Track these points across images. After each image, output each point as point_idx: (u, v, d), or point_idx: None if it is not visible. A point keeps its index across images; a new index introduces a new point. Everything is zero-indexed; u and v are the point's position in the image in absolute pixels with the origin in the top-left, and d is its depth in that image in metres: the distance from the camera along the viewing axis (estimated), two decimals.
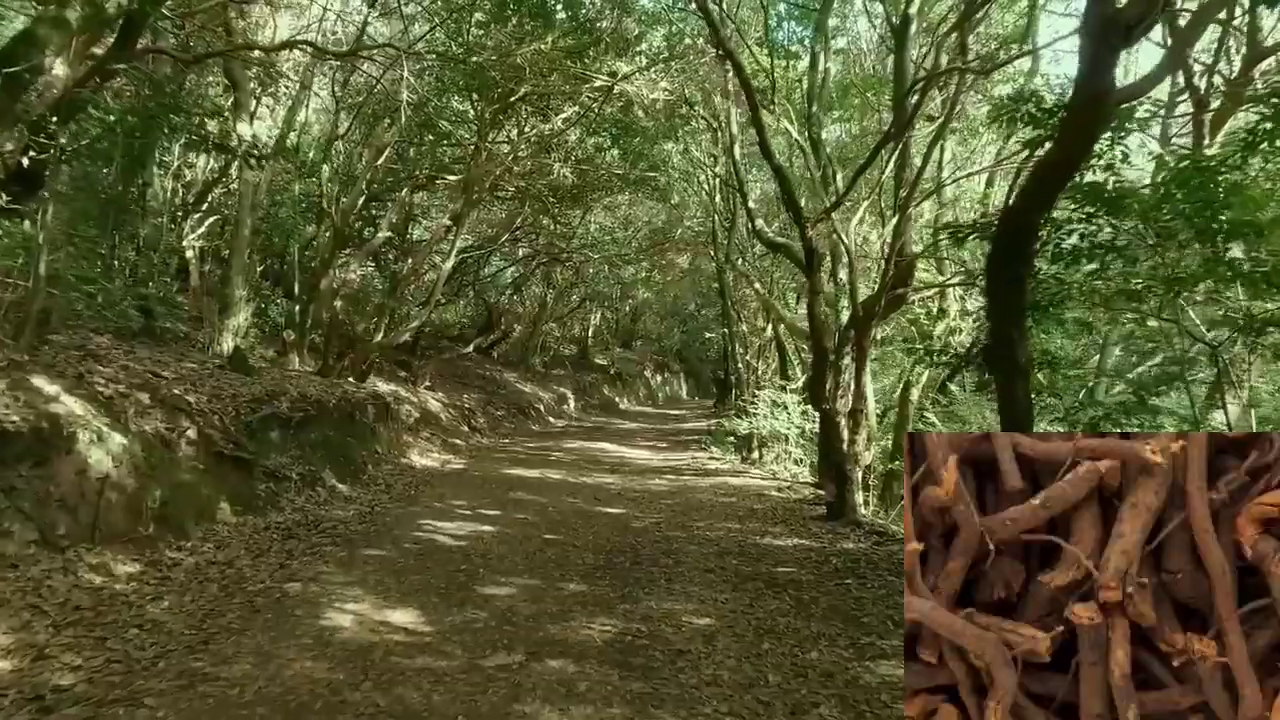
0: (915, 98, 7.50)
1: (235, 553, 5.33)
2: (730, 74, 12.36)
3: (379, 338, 12.69)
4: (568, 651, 3.88)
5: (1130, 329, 6.62)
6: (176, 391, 6.51)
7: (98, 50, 6.88)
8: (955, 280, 9.28)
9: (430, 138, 13.70)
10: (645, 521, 7.61)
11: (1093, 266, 5.18)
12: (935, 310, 12.39)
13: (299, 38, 9.55)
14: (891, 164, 8.88)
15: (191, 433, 6.14)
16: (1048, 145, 5.10)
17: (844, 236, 8.55)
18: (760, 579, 5.50)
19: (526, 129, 13.85)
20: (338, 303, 12.71)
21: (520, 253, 21.51)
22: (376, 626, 4.09)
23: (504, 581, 5.15)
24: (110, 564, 4.48)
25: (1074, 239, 4.75)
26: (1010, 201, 4.24)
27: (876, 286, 9.57)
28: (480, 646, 3.89)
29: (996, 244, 4.10)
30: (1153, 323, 5.08)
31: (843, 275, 10.98)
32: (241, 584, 4.69)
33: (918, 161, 9.02)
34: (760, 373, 17.87)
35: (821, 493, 9.65)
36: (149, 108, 6.50)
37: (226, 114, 10.61)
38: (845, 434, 8.21)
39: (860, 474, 8.59)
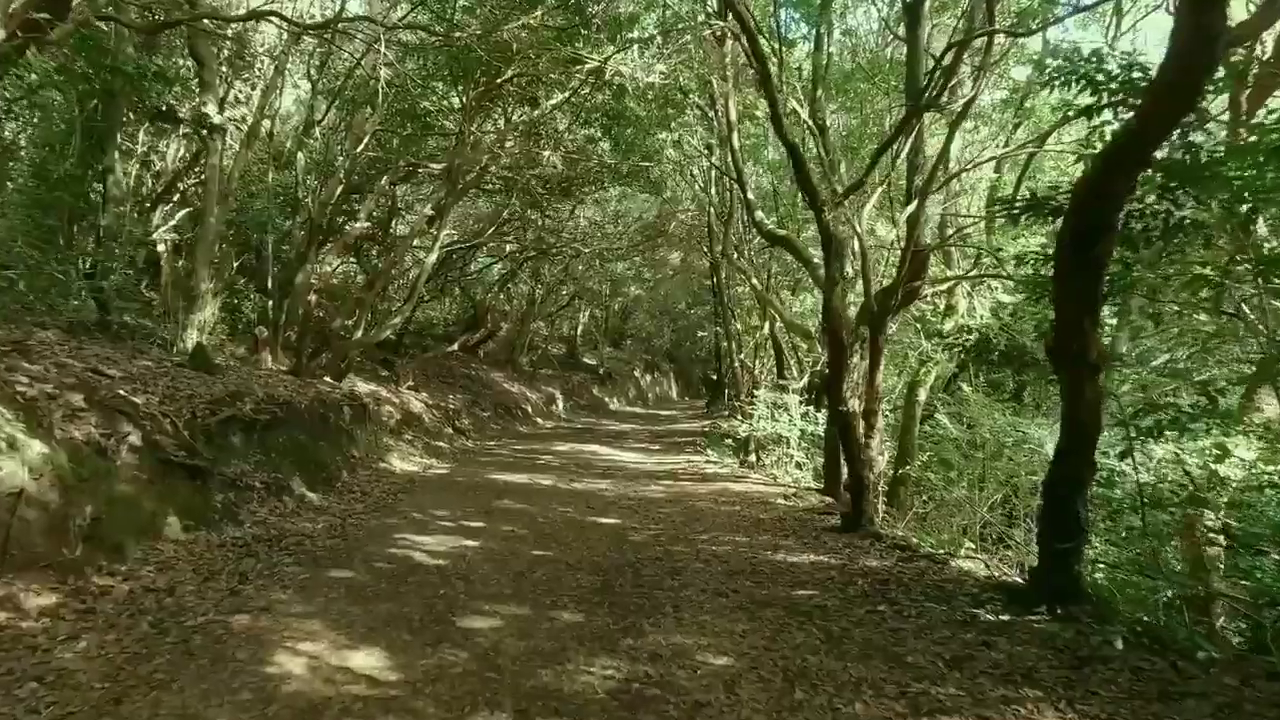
0: (946, 64, 6.88)
1: (180, 576, 4.65)
2: (729, 57, 11.75)
3: (358, 335, 11.99)
4: (564, 707, 3.21)
5: (1186, 321, 6.00)
6: (121, 392, 5.81)
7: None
8: (985, 273, 8.64)
9: (412, 126, 12.98)
10: (644, 534, 6.96)
11: (1138, 255, 4.59)
12: (944, 306, 11.81)
13: (268, 8, 8.80)
14: (905, 150, 8.29)
15: (135, 438, 5.43)
16: (1105, 113, 4.52)
17: (857, 226, 7.92)
18: (779, 604, 4.86)
19: (514, 117, 13.17)
20: (314, 298, 12.00)
21: (507, 249, 20.80)
22: (333, 674, 3.41)
23: (488, 610, 4.48)
24: (19, 596, 3.79)
25: (1143, 216, 4.13)
26: (1087, 169, 3.63)
27: (887, 280, 8.97)
28: (458, 702, 3.21)
29: (1070, 220, 3.48)
30: (1222, 314, 4.49)
31: (849, 268, 10.37)
32: (180, 617, 4.00)
33: (929, 151, 8.43)
34: (756, 372, 17.26)
35: (830, 500, 9.04)
36: (93, 71, 5.74)
37: (194, 90, 9.92)
38: (861, 436, 7.60)
39: (873, 480, 7.96)
